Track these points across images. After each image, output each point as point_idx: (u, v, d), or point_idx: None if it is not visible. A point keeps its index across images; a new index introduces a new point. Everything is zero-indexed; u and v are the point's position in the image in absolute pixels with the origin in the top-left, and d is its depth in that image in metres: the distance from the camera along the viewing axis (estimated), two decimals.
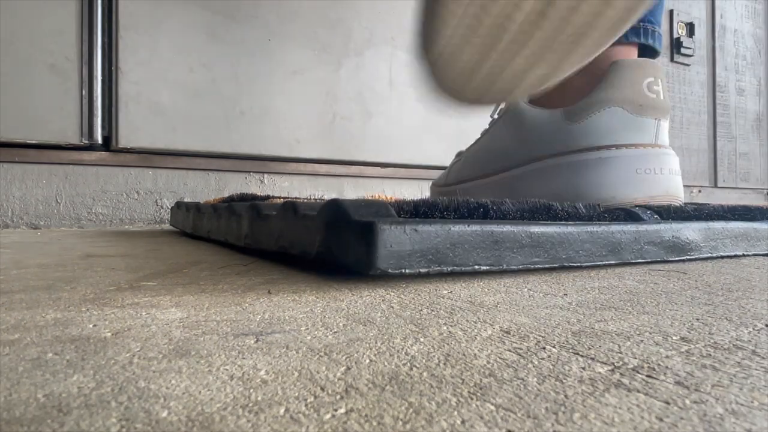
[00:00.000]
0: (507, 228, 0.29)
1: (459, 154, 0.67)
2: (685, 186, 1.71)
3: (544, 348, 0.16)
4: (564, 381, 0.13)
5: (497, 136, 0.58)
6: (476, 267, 0.28)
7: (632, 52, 0.55)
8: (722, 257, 0.39)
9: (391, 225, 0.25)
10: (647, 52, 0.56)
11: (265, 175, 0.90)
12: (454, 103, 0.51)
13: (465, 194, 0.60)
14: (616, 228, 0.33)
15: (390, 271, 0.25)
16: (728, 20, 1.65)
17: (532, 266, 0.30)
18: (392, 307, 0.22)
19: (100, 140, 0.76)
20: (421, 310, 0.21)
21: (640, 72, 0.50)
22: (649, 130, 0.49)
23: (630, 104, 0.49)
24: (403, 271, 0.26)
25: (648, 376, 0.14)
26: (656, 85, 0.50)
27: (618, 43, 0.53)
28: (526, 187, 0.53)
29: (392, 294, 0.25)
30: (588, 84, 0.53)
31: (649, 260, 0.35)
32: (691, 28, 1.53)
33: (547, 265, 0.30)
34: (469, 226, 0.28)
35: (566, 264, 0.31)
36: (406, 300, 0.23)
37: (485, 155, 0.60)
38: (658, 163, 0.49)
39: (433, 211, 0.30)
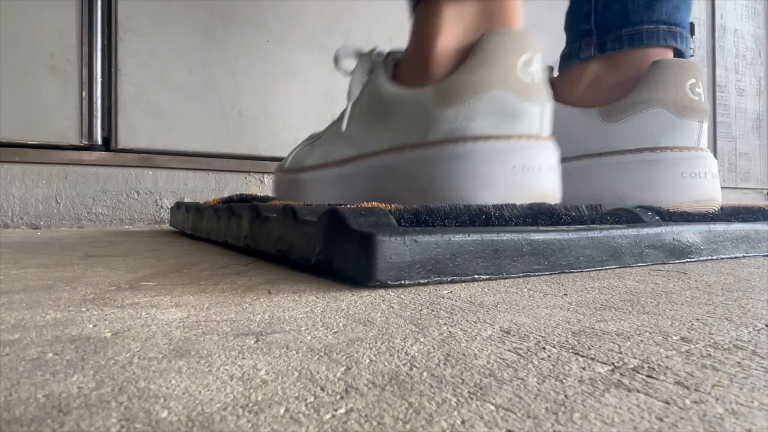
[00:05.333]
0: (507, 236, 0.29)
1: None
2: None
3: (544, 348, 0.16)
4: (564, 381, 0.13)
5: None
6: (476, 276, 0.28)
7: (669, 55, 0.53)
8: (722, 259, 0.39)
9: (391, 236, 0.25)
10: (676, 56, 0.55)
11: (265, 176, 0.90)
12: None
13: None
14: (617, 233, 0.33)
15: (389, 282, 0.25)
16: (728, 20, 1.65)
17: (533, 274, 0.30)
18: (392, 307, 0.22)
19: (99, 141, 0.76)
20: (421, 310, 0.21)
21: (684, 73, 0.49)
22: (693, 132, 0.48)
23: (674, 105, 0.48)
24: (403, 282, 0.26)
25: (648, 376, 0.14)
26: (698, 87, 0.49)
27: (654, 45, 0.52)
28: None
29: (392, 294, 0.25)
30: (623, 84, 0.51)
31: (650, 263, 0.35)
32: (691, 28, 1.53)
33: (547, 272, 0.30)
34: (469, 235, 0.27)
35: (566, 270, 0.31)
36: (406, 300, 0.23)
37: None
38: (702, 167, 0.47)
39: (433, 218, 0.30)
